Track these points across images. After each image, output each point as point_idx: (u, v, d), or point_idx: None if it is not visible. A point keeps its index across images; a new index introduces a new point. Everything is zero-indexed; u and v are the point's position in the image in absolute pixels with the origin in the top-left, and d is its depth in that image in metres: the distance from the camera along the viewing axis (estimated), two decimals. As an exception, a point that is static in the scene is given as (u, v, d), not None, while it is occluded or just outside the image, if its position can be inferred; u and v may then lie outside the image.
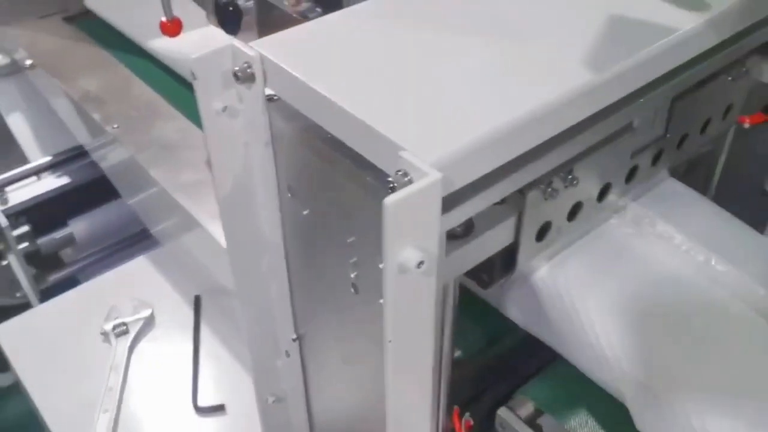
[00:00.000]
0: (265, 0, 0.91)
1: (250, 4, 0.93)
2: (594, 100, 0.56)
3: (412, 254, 0.46)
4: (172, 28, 1.04)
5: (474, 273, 0.68)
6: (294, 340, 0.77)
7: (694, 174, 0.99)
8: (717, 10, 0.63)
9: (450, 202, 0.51)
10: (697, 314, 0.71)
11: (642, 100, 0.61)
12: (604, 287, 0.72)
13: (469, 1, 0.65)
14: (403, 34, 0.60)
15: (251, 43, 0.58)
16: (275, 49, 0.58)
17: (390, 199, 0.43)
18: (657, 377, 0.66)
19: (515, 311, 0.80)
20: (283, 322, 0.76)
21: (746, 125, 0.90)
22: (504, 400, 0.81)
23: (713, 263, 0.73)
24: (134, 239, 1.46)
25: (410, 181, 0.46)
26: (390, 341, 0.50)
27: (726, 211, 0.82)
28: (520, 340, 0.86)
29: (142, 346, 1.11)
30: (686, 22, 0.61)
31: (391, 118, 0.50)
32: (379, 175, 0.51)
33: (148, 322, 1.13)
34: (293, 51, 0.58)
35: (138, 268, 1.22)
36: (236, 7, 0.92)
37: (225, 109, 0.60)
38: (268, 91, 0.59)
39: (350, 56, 0.57)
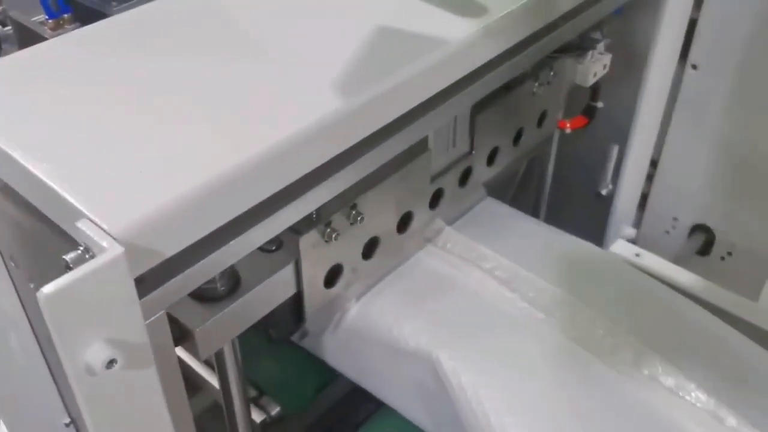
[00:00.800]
0: (25, 26, 0.79)
1: (9, 31, 0.81)
2: (345, 132, 0.47)
3: (99, 352, 0.36)
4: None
5: (259, 328, 0.58)
6: (68, 424, 0.65)
7: (527, 184, 0.94)
8: (495, 16, 0.56)
9: (171, 268, 0.42)
10: (514, 338, 0.64)
11: (414, 123, 0.52)
12: (418, 320, 0.65)
13: (211, 24, 0.55)
14: (117, 65, 0.50)
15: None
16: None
17: (47, 290, 0.33)
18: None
19: (334, 358, 0.72)
20: (51, 405, 0.64)
21: (568, 130, 0.86)
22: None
23: (530, 286, 0.67)
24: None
25: (92, 258, 0.36)
26: (103, 454, 0.40)
27: (547, 225, 0.77)
28: (348, 387, 0.78)
29: None
30: (460, 31, 0.54)
31: (79, 174, 0.40)
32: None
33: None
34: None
35: None
36: (-10, 34, 0.79)
37: None
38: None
39: (45, 97, 0.46)
